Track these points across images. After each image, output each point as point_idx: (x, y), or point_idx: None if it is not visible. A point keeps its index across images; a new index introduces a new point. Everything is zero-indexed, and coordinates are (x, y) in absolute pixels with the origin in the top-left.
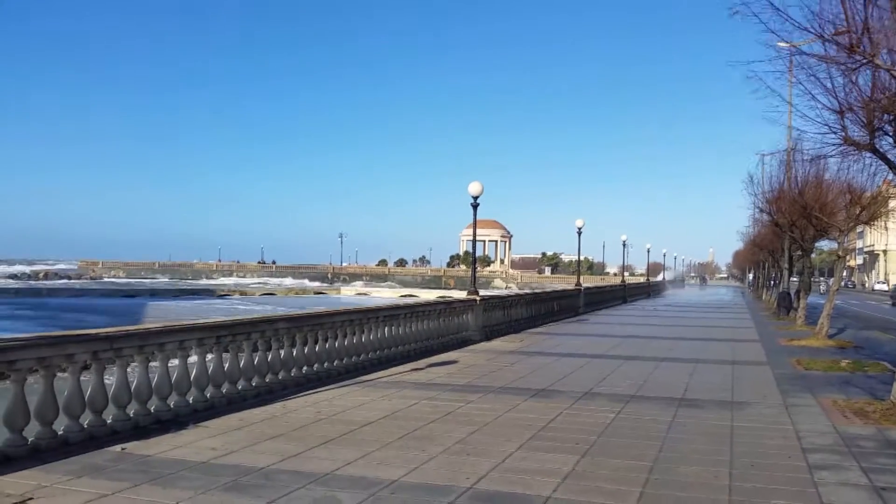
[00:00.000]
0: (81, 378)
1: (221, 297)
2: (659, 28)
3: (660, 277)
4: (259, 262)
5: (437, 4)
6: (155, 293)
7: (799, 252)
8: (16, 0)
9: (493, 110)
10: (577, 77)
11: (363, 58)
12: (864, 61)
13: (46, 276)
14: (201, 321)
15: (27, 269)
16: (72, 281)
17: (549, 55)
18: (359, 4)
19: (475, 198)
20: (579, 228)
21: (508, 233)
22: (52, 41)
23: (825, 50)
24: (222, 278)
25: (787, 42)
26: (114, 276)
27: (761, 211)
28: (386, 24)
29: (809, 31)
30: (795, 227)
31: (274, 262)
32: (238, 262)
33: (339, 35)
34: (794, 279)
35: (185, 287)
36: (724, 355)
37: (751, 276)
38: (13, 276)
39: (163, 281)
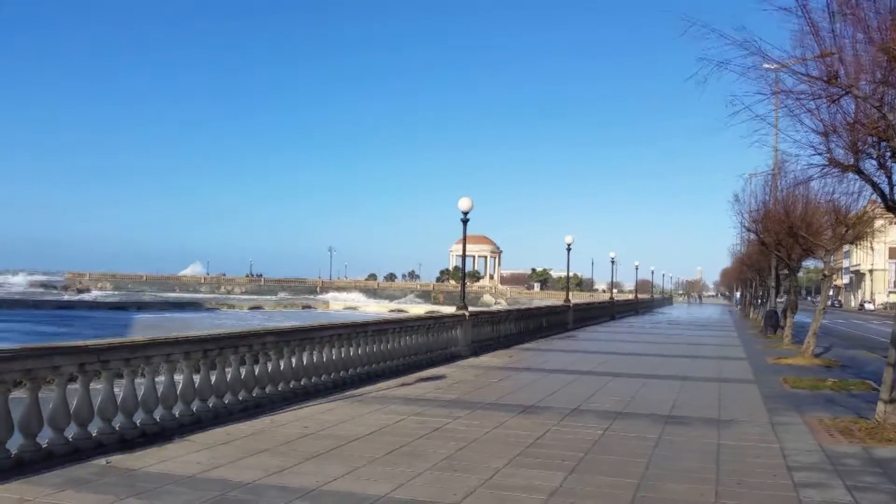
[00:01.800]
0: (67, 390)
1: (210, 310)
2: (647, 46)
3: (647, 295)
4: (248, 276)
5: (428, 20)
6: (142, 306)
7: (785, 271)
8: (14, 10)
9: (483, 126)
10: (568, 93)
11: (354, 73)
12: (843, 92)
13: (32, 286)
14: (188, 334)
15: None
16: (59, 292)
17: (540, 71)
18: (348, 21)
19: (465, 213)
20: (568, 245)
21: (498, 248)
22: (39, 50)
23: (808, 78)
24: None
25: (773, 64)
26: (101, 288)
27: (748, 230)
28: (375, 40)
29: (795, 71)
30: (782, 246)
31: (261, 276)
32: (224, 274)
33: (330, 50)
34: (782, 298)
35: (173, 300)
36: (712, 373)
37: (738, 294)
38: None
39: (150, 293)
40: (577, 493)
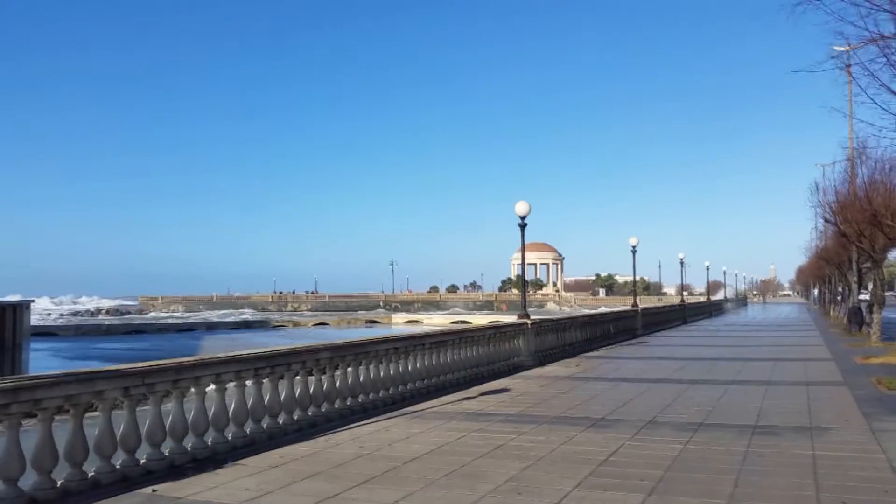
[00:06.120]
0: (113, 416)
1: (276, 328)
2: (716, 40)
3: (721, 295)
4: (308, 293)
5: (485, 25)
6: (211, 327)
7: (868, 264)
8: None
9: (543, 131)
10: (631, 92)
11: (411, 80)
12: None
13: (108, 312)
14: (238, 353)
15: (88, 305)
16: (132, 316)
17: (601, 71)
18: (407, 27)
19: (522, 218)
20: (633, 247)
21: (560, 255)
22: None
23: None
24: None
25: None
26: (173, 311)
27: (826, 221)
28: (433, 47)
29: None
30: (864, 237)
31: (313, 292)
32: (294, 292)
33: (387, 58)
34: (864, 294)
35: (240, 320)
36: (797, 376)
37: (815, 291)
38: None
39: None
40: None
